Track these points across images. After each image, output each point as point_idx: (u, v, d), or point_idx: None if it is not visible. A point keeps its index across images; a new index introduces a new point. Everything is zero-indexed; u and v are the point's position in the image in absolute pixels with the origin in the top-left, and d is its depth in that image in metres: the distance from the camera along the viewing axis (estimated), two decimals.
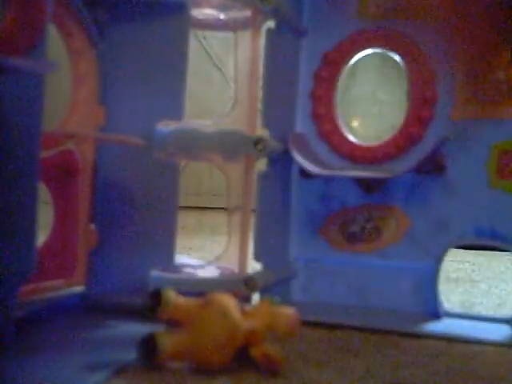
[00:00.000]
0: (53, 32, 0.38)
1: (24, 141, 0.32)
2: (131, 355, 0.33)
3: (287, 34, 0.49)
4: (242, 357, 0.33)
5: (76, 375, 0.31)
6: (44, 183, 0.35)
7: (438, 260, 0.46)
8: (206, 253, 0.54)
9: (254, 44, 0.46)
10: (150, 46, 0.44)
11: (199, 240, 0.65)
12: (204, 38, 0.49)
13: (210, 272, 0.46)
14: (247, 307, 0.35)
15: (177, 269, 0.45)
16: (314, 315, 0.45)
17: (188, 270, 0.46)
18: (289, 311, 0.35)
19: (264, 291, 0.45)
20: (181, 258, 0.47)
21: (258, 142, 0.44)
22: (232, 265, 0.46)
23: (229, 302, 0.33)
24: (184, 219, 0.47)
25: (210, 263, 0.48)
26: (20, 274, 0.33)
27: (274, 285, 0.47)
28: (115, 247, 0.44)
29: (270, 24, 0.48)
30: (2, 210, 0.31)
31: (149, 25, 0.44)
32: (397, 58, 0.49)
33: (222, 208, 0.50)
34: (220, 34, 0.51)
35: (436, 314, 0.47)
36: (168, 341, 0.32)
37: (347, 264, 0.50)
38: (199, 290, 0.43)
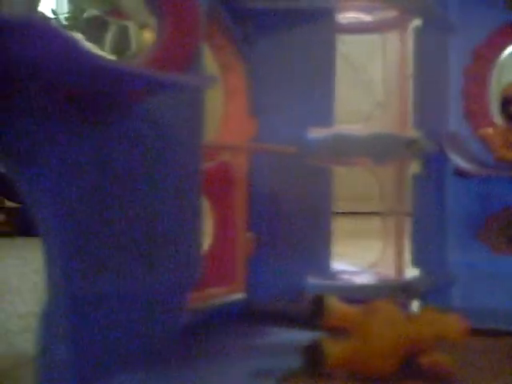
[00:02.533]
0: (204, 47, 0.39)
1: (188, 154, 0.34)
2: (295, 362, 0.33)
3: (435, 31, 0.48)
4: (409, 365, 0.32)
5: (243, 382, 0.31)
6: (204, 194, 0.36)
7: None
8: (357, 259, 0.53)
9: (403, 44, 0.46)
10: (297, 54, 0.45)
11: (348, 246, 0.64)
12: (343, 42, 0.49)
13: (366, 278, 0.45)
14: (412, 314, 0.34)
15: (333, 275, 0.45)
16: (476, 322, 0.43)
17: (344, 276, 0.45)
18: (456, 318, 0.33)
19: (422, 297, 0.44)
20: (337, 265, 0.47)
21: (410, 143, 0.43)
22: (389, 271, 0.45)
23: (394, 309, 0.33)
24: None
25: (366, 269, 0.47)
26: (188, 282, 0.34)
27: (433, 291, 0.45)
28: (272, 255, 0.45)
29: (417, 22, 0.47)
30: (168, 220, 0.33)
31: (295, 33, 0.45)
32: None
33: (367, 213, 0.49)
34: (359, 38, 0.51)
35: None
36: (334, 348, 0.32)
37: (509, 268, 0.47)
38: (357, 296, 0.42)
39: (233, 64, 0.44)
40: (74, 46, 0.19)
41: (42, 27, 0.18)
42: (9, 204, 1.10)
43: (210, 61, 0.42)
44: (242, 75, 0.45)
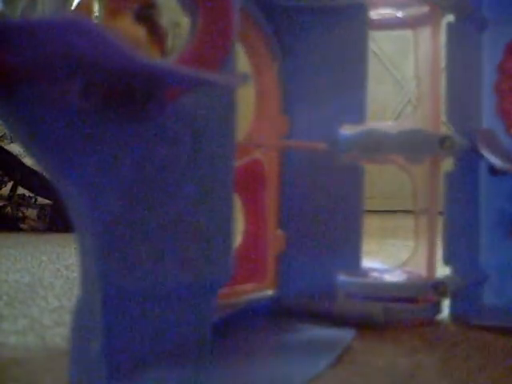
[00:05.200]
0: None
1: (221, 152, 0.34)
2: (325, 360, 0.33)
3: (467, 27, 0.47)
4: None
5: (277, 379, 0.31)
6: (235, 192, 0.37)
7: None
8: (387, 257, 0.53)
9: (435, 40, 0.45)
10: (329, 52, 0.45)
11: (379, 244, 0.64)
12: (374, 39, 0.48)
13: (397, 276, 0.45)
14: None
15: (364, 273, 0.45)
16: (508, 321, 0.42)
17: (375, 274, 0.45)
18: None
19: (454, 296, 0.44)
20: (368, 263, 0.46)
21: (443, 140, 0.42)
22: (419, 269, 0.44)
23: None
24: None
25: (397, 267, 0.47)
26: (220, 279, 0.34)
27: (464, 289, 0.45)
28: (302, 252, 0.45)
29: (450, 18, 0.46)
30: (201, 218, 0.33)
31: (327, 30, 0.44)
32: None
33: (399, 211, 0.49)
34: (391, 34, 0.50)
35: None
36: None
37: None
38: (386, 294, 0.42)
39: (265, 62, 0.44)
40: (114, 44, 0.19)
41: (84, 26, 0.18)
42: (40, 201, 1.11)
43: (242, 59, 0.42)
44: (274, 73, 0.45)
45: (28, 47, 0.19)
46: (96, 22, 0.23)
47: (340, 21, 0.44)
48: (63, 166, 0.26)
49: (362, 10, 0.44)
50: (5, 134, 1.13)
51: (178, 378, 0.30)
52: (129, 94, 0.26)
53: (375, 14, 0.47)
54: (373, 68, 0.45)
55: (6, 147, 1.12)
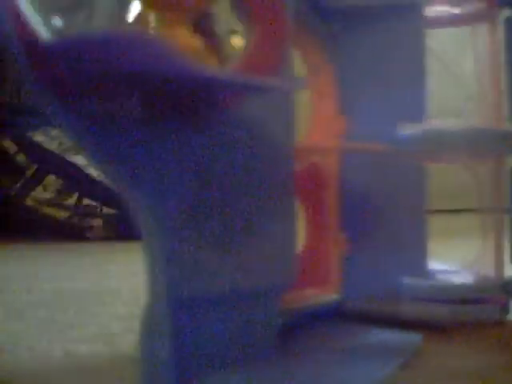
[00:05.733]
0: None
1: (280, 157, 0.34)
2: (390, 363, 0.33)
3: None
4: None
5: (343, 381, 0.31)
6: (296, 196, 0.37)
7: None
8: (453, 258, 0.52)
9: (493, 36, 0.44)
10: (386, 50, 0.44)
11: (444, 245, 0.63)
12: (432, 36, 0.48)
13: (464, 278, 0.44)
14: None
15: (430, 275, 0.44)
16: None
17: (441, 276, 0.44)
18: None
19: None
20: (433, 264, 0.46)
21: (506, 137, 0.41)
22: (487, 269, 0.43)
23: None
24: None
25: (463, 268, 0.46)
26: (283, 283, 0.35)
27: None
28: (366, 255, 0.44)
29: (507, 13, 0.45)
30: (263, 222, 0.33)
31: (382, 29, 0.44)
32: None
33: (463, 210, 0.48)
34: (449, 31, 0.50)
35: None
36: None
37: None
38: (454, 296, 0.41)
39: (321, 64, 0.44)
40: (176, 57, 0.20)
41: (147, 41, 0.19)
42: (105, 210, 1.14)
43: (297, 61, 0.42)
44: (331, 75, 0.45)
45: (93, 62, 0.20)
46: (155, 34, 0.24)
47: (396, 20, 0.43)
48: (129, 176, 0.27)
49: (417, 8, 0.43)
50: (69, 146, 1.16)
51: (243, 381, 0.30)
52: (189, 103, 0.27)
53: (431, 11, 0.47)
54: (432, 65, 0.45)
55: (70, 159, 1.16)
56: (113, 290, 0.58)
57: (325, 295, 0.44)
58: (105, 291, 0.58)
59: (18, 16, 0.21)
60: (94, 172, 1.13)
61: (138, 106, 0.25)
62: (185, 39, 0.26)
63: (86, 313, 0.48)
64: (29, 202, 1.15)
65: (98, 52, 0.19)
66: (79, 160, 1.15)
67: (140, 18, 0.27)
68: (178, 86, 0.24)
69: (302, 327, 0.40)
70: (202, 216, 0.30)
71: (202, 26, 0.27)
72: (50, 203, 1.15)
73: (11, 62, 1.19)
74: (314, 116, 0.45)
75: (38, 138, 1.17)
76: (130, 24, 0.29)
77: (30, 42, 0.20)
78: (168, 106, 0.27)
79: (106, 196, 1.12)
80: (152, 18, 0.26)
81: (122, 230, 1.11)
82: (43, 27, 0.21)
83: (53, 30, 0.21)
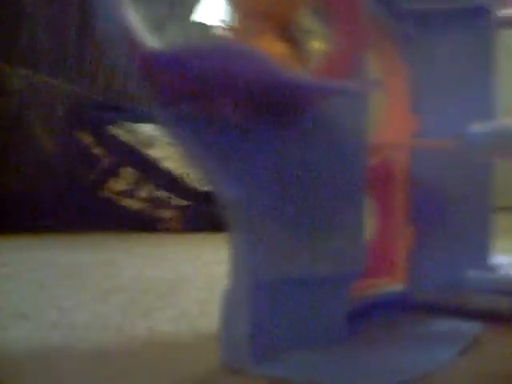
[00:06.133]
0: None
1: (354, 155, 0.37)
2: (451, 351, 0.34)
3: None
4: None
5: (403, 367, 0.33)
6: (367, 190, 0.39)
7: None
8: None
9: None
10: (457, 51, 0.45)
11: (507, 241, 0.63)
12: (505, 36, 0.48)
13: None
14: None
15: (494, 269, 0.45)
16: None
17: (504, 270, 0.45)
18: None
19: None
20: (498, 259, 0.47)
21: None
22: None
23: None
24: None
25: None
26: (353, 272, 0.37)
27: None
28: (432, 248, 0.46)
29: None
30: (336, 215, 0.35)
31: (454, 31, 0.45)
32: None
33: None
34: None
35: None
36: None
37: None
38: None
39: (395, 65, 0.46)
40: (269, 65, 0.22)
41: (244, 51, 0.21)
42: (175, 201, 1.17)
43: (374, 63, 0.44)
44: (404, 75, 0.46)
45: (196, 70, 0.22)
46: (252, 45, 0.26)
47: (468, 21, 0.44)
48: (222, 169, 0.30)
49: (490, 9, 0.44)
50: (144, 139, 1.20)
51: (315, 362, 0.32)
52: (279, 106, 0.29)
53: (503, 12, 0.47)
54: (502, 64, 0.45)
55: (145, 153, 1.19)
56: (187, 277, 0.61)
57: (392, 285, 0.46)
58: (180, 278, 0.60)
59: (128, 26, 0.23)
60: (166, 165, 1.17)
61: (231, 108, 0.28)
62: (273, 47, 0.28)
63: (164, 297, 0.50)
64: (104, 192, 1.19)
65: (206, 61, 0.22)
66: (154, 153, 1.18)
67: (231, 28, 0.29)
68: (267, 89, 0.27)
69: (370, 314, 0.41)
70: (281, 206, 0.32)
71: (288, 32, 0.30)
72: (125, 194, 1.19)
73: (101, 63, 1.24)
74: (387, 114, 0.46)
75: (115, 131, 1.21)
76: (223, 36, 0.32)
77: (142, 52, 0.23)
78: (261, 110, 0.29)
79: (177, 188, 1.16)
80: (243, 27, 0.28)
81: (193, 222, 1.13)
82: (150, 38, 0.23)
83: (158, 41, 0.23)
